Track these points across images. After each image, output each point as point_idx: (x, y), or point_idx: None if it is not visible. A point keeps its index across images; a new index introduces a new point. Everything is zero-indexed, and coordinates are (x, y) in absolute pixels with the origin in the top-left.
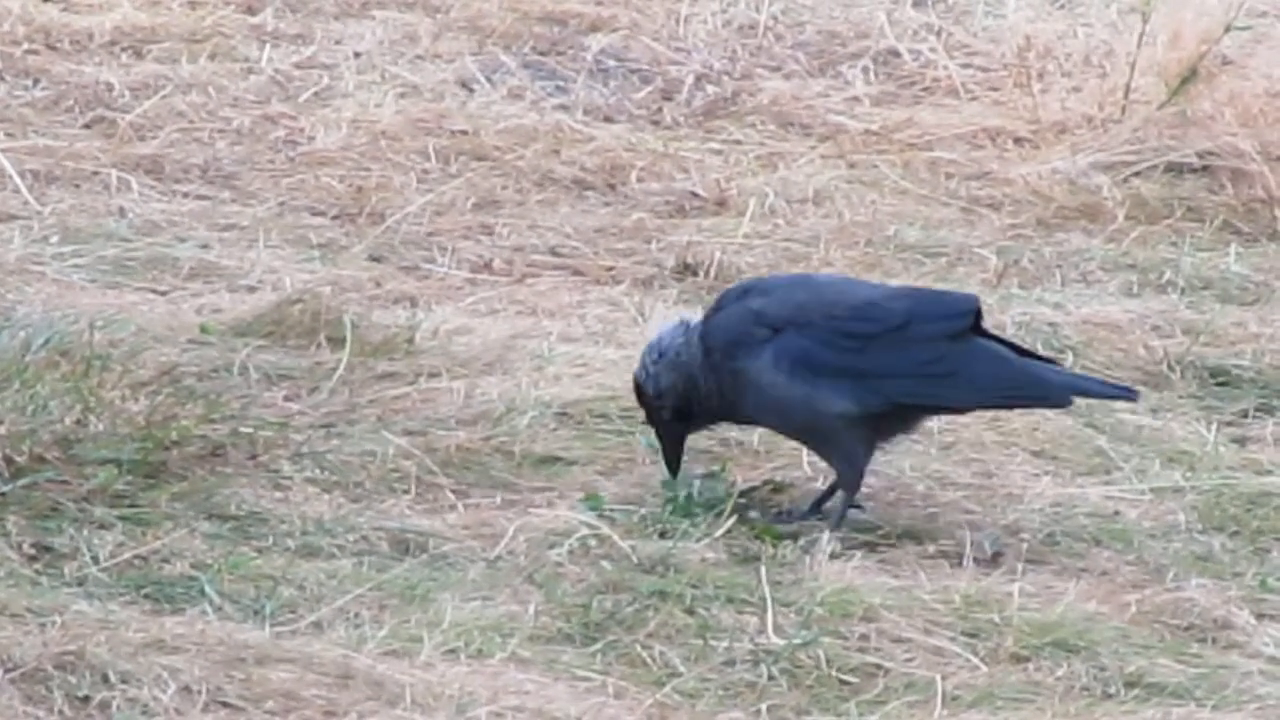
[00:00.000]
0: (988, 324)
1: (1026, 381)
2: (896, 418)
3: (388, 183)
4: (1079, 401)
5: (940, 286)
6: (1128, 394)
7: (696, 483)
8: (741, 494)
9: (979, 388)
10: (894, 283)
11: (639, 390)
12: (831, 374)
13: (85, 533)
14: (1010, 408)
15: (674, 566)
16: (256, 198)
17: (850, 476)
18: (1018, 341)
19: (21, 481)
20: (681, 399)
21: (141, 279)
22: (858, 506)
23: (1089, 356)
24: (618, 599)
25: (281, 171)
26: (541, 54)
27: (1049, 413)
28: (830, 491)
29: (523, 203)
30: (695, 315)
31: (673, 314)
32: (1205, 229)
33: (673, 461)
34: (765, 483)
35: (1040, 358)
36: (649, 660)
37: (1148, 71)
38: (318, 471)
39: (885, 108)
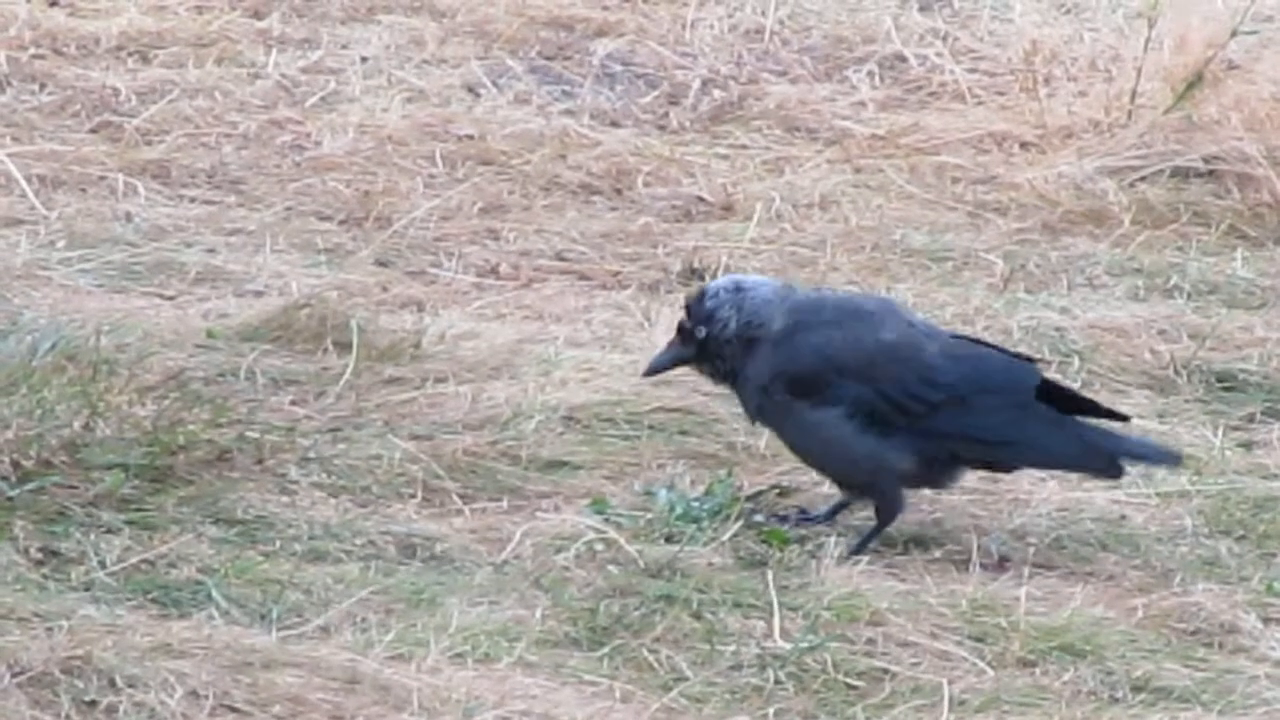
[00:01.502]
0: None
1: (1082, 452)
2: (949, 467)
3: (394, 187)
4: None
5: (998, 350)
6: (1174, 460)
7: (668, 491)
8: (748, 498)
9: (1038, 455)
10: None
11: (699, 298)
12: (899, 433)
13: (92, 537)
14: (1063, 471)
15: (681, 571)
16: (263, 202)
17: (889, 512)
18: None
19: (29, 486)
20: (714, 341)
21: (148, 284)
22: (810, 519)
23: (1095, 361)
24: (624, 603)
25: (288, 176)
26: (548, 59)
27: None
28: (845, 502)
29: (529, 207)
30: (787, 288)
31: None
32: (1211, 233)
33: (657, 368)
34: (772, 487)
35: (1094, 408)
36: (656, 664)
37: (1154, 76)
38: (324, 476)
39: (891, 112)
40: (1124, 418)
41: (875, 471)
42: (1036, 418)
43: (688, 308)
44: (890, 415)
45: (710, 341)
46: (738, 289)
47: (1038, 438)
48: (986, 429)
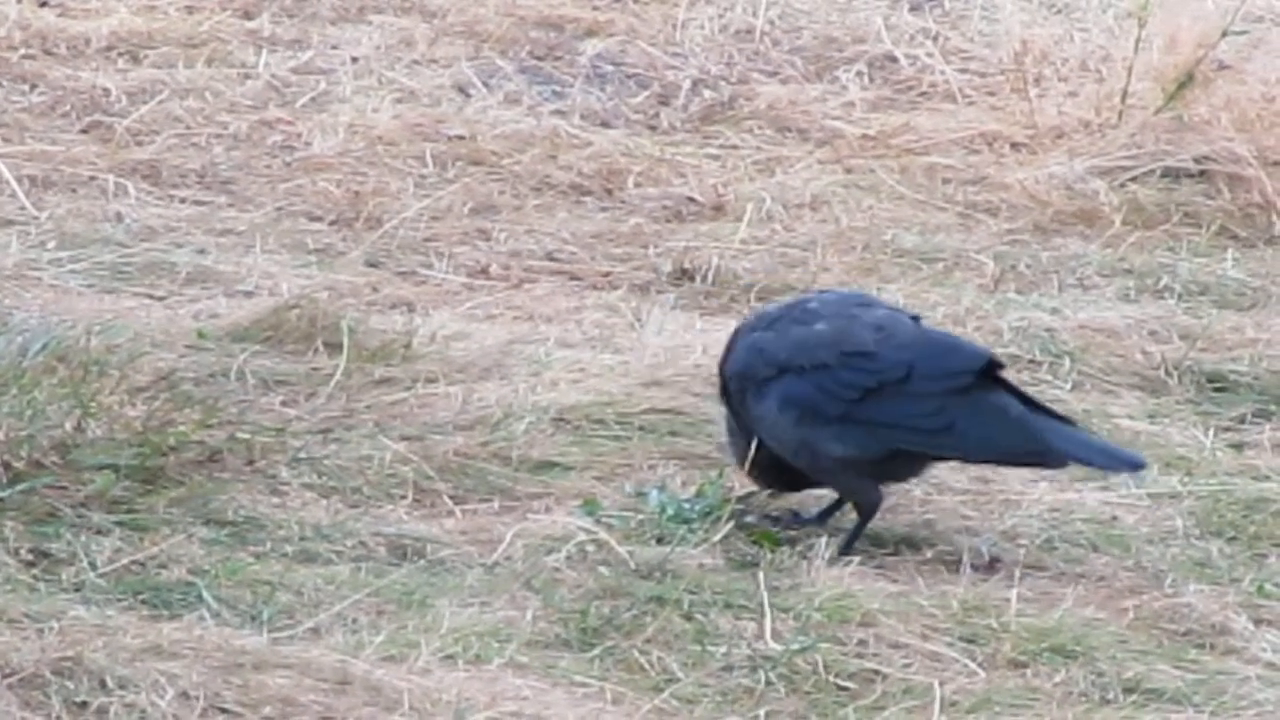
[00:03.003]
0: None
1: (1022, 442)
2: (899, 461)
3: (385, 188)
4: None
5: (952, 332)
6: (1134, 464)
7: (659, 492)
8: (739, 500)
9: (974, 444)
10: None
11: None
12: (833, 422)
13: (83, 538)
14: (1005, 465)
15: (672, 572)
16: (253, 203)
17: (867, 506)
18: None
19: (19, 487)
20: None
21: (139, 284)
22: (802, 521)
23: (1086, 362)
24: (615, 604)
25: (278, 176)
26: (538, 59)
27: None
28: (838, 504)
29: (520, 208)
30: None
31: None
32: (1202, 234)
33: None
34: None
35: (1053, 414)
36: (647, 666)
37: (1144, 76)
38: (315, 477)
39: (882, 113)
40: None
41: (814, 457)
42: (975, 404)
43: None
44: (821, 404)
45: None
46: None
47: (975, 423)
48: (920, 416)
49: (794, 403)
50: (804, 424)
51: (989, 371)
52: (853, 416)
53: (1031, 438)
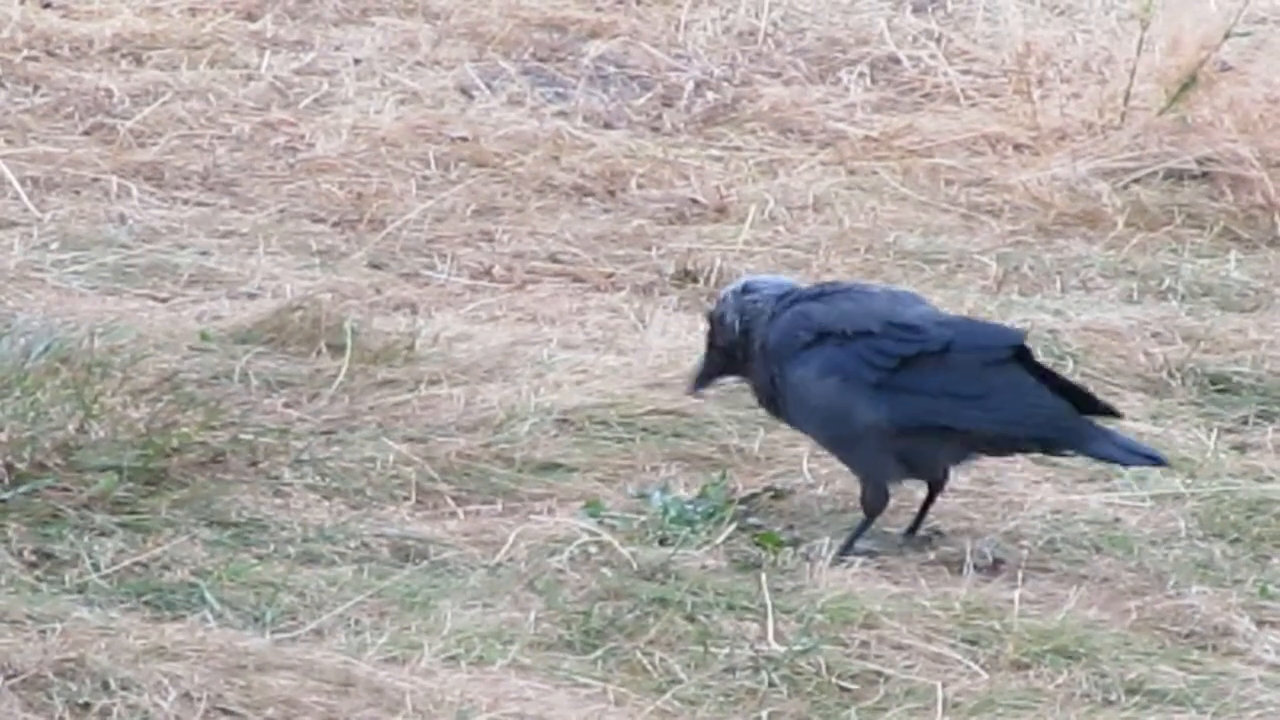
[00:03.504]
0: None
1: (1052, 417)
2: (924, 441)
3: (388, 189)
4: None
5: (984, 316)
6: (1154, 460)
7: (662, 494)
8: (742, 501)
9: (1006, 414)
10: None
11: (716, 304)
12: (869, 388)
13: (86, 539)
14: (1029, 443)
15: (674, 573)
16: (257, 204)
17: (872, 504)
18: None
19: (22, 488)
20: (730, 345)
21: (142, 286)
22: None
23: (1089, 364)
24: (618, 606)
25: (282, 178)
26: (541, 60)
27: None
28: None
29: (523, 209)
30: (796, 283)
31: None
32: (1205, 235)
33: (699, 378)
34: (766, 489)
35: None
36: (649, 667)
37: (1147, 78)
38: (318, 478)
39: (885, 114)
40: (1116, 414)
41: (846, 424)
42: (1011, 377)
43: (708, 316)
44: (860, 370)
45: (730, 347)
46: (745, 291)
47: (1009, 397)
48: (954, 383)
49: (834, 369)
50: (843, 390)
51: (1024, 356)
52: (889, 384)
53: (1063, 414)
